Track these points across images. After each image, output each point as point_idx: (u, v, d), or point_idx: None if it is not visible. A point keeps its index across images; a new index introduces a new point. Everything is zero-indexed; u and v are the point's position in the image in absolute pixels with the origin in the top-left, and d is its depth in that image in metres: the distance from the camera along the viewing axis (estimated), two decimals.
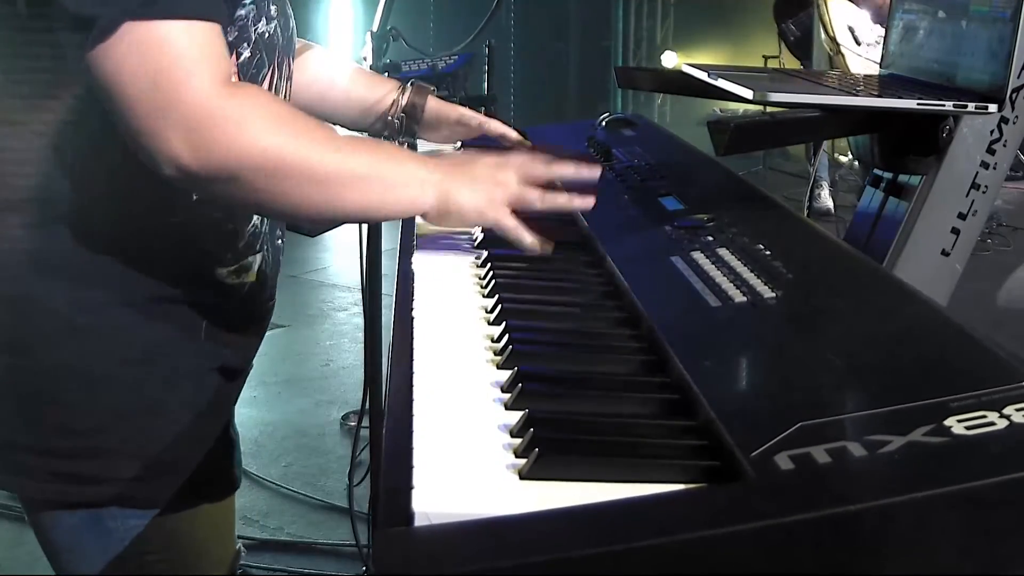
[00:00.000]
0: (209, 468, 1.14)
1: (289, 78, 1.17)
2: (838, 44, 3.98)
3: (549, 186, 1.10)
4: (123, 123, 0.88)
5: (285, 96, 1.16)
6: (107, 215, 0.99)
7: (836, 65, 4.08)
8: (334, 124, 1.49)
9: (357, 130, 1.66)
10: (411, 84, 1.49)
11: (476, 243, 1.21)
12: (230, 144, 0.89)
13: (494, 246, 1.16)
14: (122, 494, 1.05)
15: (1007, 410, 0.62)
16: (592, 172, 1.13)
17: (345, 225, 1.95)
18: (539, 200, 1.08)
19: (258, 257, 1.12)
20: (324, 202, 0.96)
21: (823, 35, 4.11)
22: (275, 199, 0.95)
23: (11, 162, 0.98)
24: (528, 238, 1.06)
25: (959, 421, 0.61)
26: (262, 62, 1.06)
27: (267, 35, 1.06)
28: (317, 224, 1.16)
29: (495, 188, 1.06)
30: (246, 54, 1.03)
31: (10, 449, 1.04)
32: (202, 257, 1.06)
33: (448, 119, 1.54)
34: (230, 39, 1.00)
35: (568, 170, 1.12)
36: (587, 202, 1.12)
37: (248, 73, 1.04)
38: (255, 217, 1.10)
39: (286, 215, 1.03)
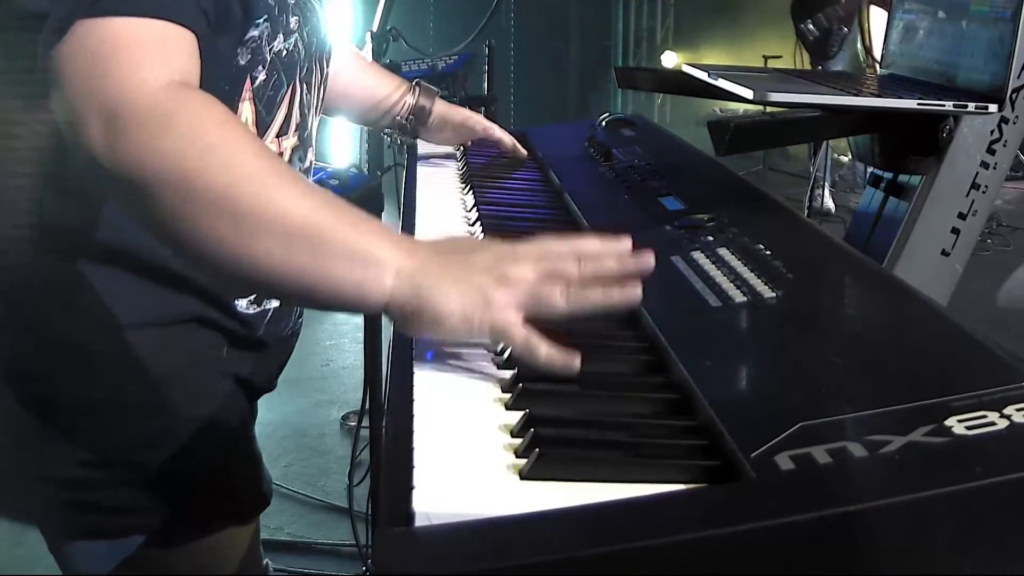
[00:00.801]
0: (237, 489, 1.12)
1: (319, 86, 1.13)
2: (873, 58, 3.88)
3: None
4: (59, 113, 0.80)
5: (315, 108, 1.12)
6: (122, 241, 0.96)
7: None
8: (340, 116, 1.49)
9: (364, 125, 1.66)
10: (418, 85, 1.50)
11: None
12: (144, 146, 0.76)
13: None
14: (148, 522, 1.03)
15: (1008, 410, 0.62)
16: (647, 261, 0.84)
17: None
18: (563, 298, 0.79)
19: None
20: (237, 247, 0.77)
21: (859, 45, 4.00)
22: (182, 227, 0.77)
23: (15, 192, 0.96)
24: (544, 351, 0.77)
25: (960, 421, 0.61)
26: (280, 82, 1.02)
27: (284, 52, 1.01)
28: (234, 284, 1.00)
29: (497, 286, 0.78)
30: (261, 77, 0.99)
31: (32, 482, 1.01)
32: (219, 289, 1.02)
33: (452, 121, 1.55)
34: (243, 62, 0.96)
35: (610, 261, 0.83)
36: (632, 295, 0.82)
37: (265, 95, 1.00)
38: None
39: (196, 253, 0.79)
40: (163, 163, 0.76)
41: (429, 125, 1.52)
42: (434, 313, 0.77)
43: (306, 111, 1.09)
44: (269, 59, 0.99)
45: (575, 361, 0.78)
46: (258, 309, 1.07)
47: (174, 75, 0.80)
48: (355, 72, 1.46)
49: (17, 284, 0.98)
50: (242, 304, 1.05)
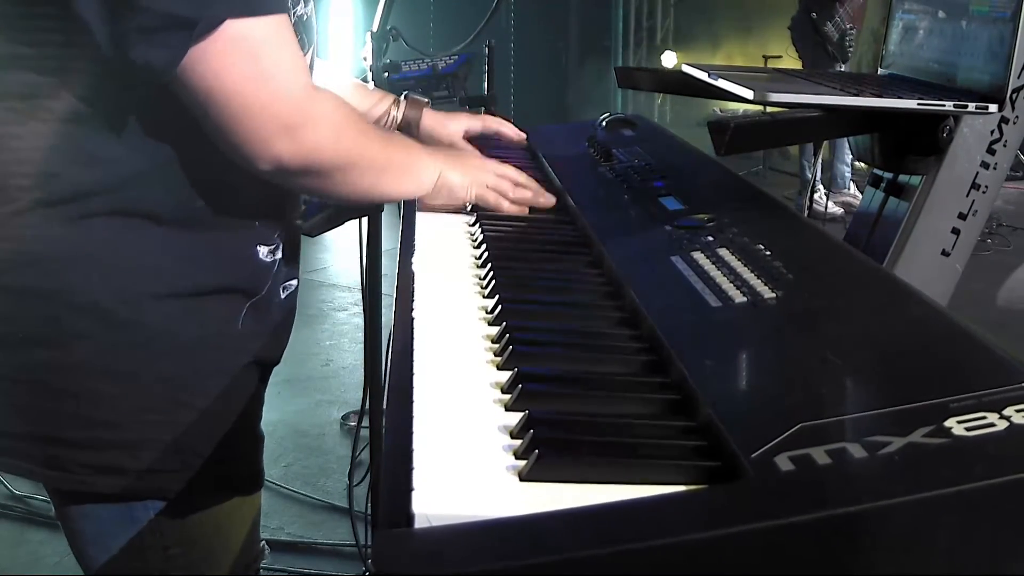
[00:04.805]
0: (241, 462, 1.15)
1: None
2: None
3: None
4: (219, 122, 0.95)
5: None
6: (146, 203, 0.99)
7: None
8: None
9: None
10: (405, 97, 1.48)
11: (477, 243, 1.21)
12: (320, 143, 1.02)
13: (495, 247, 1.16)
14: (156, 487, 1.06)
15: (1007, 411, 0.62)
16: (548, 199, 1.33)
17: (345, 225, 1.96)
18: (511, 190, 1.30)
19: (282, 236, 1.15)
20: (370, 187, 1.14)
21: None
22: (342, 187, 1.10)
23: (42, 159, 0.97)
24: (506, 204, 1.29)
25: (959, 422, 0.61)
26: (303, 43, 1.08)
27: (305, 17, 1.08)
28: (362, 204, 1.50)
29: (479, 173, 1.28)
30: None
31: (46, 442, 1.03)
32: (247, 237, 1.08)
33: (443, 135, 1.52)
34: None
35: (531, 189, 1.33)
36: (549, 200, 1.33)
37: None
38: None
39: (341, 198, 1.28)
40: (341, 150, 1.06)
41: (419, 138, 1.49)
42: (450, 188, 1.25)
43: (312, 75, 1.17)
44: (294, 21, 1.06)
45: (525, 210, 1.31)
46: (272, 258, 1.13)
47: (308, 70, 1.00)
48: (348, 93, 1.43)
49: (42, 251, 0.99)
50: (263, 251, 1.11)
